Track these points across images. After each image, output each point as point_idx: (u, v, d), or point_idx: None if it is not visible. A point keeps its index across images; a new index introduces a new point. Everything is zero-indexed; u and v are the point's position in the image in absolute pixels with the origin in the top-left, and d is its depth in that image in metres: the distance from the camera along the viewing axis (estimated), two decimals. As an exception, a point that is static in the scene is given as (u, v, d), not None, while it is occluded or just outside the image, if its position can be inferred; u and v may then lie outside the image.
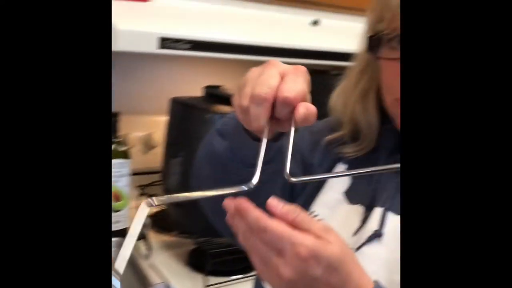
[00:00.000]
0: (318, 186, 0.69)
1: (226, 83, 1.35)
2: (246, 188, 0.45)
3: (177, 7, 1.17)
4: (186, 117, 1.14)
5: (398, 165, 0.43)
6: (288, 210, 0.42)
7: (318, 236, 0.42)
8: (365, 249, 0.59)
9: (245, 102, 0.47)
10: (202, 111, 1.10)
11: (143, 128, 1.42)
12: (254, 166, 0.51)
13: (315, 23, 1.39)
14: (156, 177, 1.39)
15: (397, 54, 0.56)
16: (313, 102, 1.46)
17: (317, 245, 0.41)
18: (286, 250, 0.41)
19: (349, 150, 0.67)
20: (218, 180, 0.61)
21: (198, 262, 1.11)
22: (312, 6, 1.38)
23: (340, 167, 0.68)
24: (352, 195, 0.66)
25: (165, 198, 0.51)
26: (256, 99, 0.46)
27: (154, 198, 0.46)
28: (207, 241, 1.11)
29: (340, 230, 0.52)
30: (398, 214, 0.59)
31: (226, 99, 1.17)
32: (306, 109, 0.46)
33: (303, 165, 0.70)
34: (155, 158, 1.44)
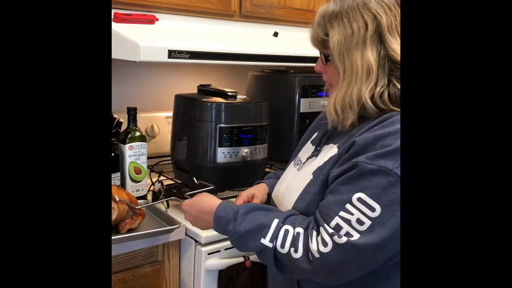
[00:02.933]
0: (304, 143, 1.12)
1: (214, 82, 1.75)
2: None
3: (174, 26, 1.56)
4: (188, 108, 1.52)
5: None
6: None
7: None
8: (308, 162, 1.01)
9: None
10: (200, 102, 1.49)
11: (147, 121, 1.79)
12: None
13: (275, 34, 1.79)
14: (157, 160, 1.76)
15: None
16: (276, 94, 1.90)
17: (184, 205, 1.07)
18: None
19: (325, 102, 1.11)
20: None
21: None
22: (273, 21, 1.77)
23: (315, 134, 1.11)
24: (312, 142, 1.08)
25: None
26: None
27: None
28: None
29: (304, 155, 1.01)
30: (328, 145, 1.00)
31: (215, 93, 1.57)
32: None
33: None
34: (156, 145, 1.81)
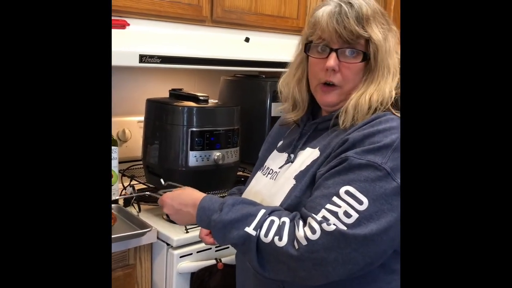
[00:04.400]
0: (268, 152, 1.11)
1: (185, 87, 1.76)
2: None
3: (145, 31, 1.56)
4: (160, 112, 1.53)
5: None
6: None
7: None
8: (284, 169, 1.00)
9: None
10: (172, 106, 1.50)
11: (118, 126, 1.79)
12: None
13: (247, 40, 1.81)
14: (129, 164, 1.76)
15: (320, 55, 0.95)
16: (248, 98, 1.92)
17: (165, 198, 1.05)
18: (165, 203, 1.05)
19: (291, 116, 1.07)
20: None
21: (175, 217, 1.51)
22: (244, 27, 1.78)
23: (281, 142, 1.10)
24: (280, 150, 1.08)
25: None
26: None
27: None
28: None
29: (274, 164, 1.02)
30: (304, 149, 0.99)
31: (187, 98, 1.58)
32: None
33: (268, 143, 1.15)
34: (127, 150, 1.81)
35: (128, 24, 1.50)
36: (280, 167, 1.02)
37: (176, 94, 1.62)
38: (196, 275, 1.36)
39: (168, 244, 1.37)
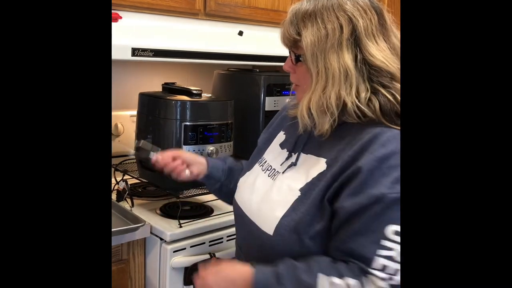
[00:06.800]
0: (267, 142, 1.09)
1: (178, 80, 1.74)
2: None
3: (138, 24, 1.54)
4: (153, 106, 1.51)
5: None
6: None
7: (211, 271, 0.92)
8: (286, 172, 0.97)
9: None
10: (165, 100, 1.49)
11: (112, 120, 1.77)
12: None
13: (240, 33, 1.80)
14: (122, 159, 1.74)
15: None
16: (241, 92, 1.91)
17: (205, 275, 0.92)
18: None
19: (292, 111, 1.03)
20: None
21: (168, 212, 1.50)
22: (237, 20, 1.77)
23: (281, 134, 1.07)
24: (282, 145, 1.05)
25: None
26: None
27: None
28: (176, 195, 1.50)
29: (275, 161, 0.99)
30: (307, 154, 0.96)
31: (180, 91, 1.57)
32: None
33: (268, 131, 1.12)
34: (120, 144, 1.80)
35: (120, 17, 1.48)
36: (281, 165, 0.99)
37: (169, 88, 1.60)
38: (190, 270, 1.36)
39: (161, 239, 1.36)
